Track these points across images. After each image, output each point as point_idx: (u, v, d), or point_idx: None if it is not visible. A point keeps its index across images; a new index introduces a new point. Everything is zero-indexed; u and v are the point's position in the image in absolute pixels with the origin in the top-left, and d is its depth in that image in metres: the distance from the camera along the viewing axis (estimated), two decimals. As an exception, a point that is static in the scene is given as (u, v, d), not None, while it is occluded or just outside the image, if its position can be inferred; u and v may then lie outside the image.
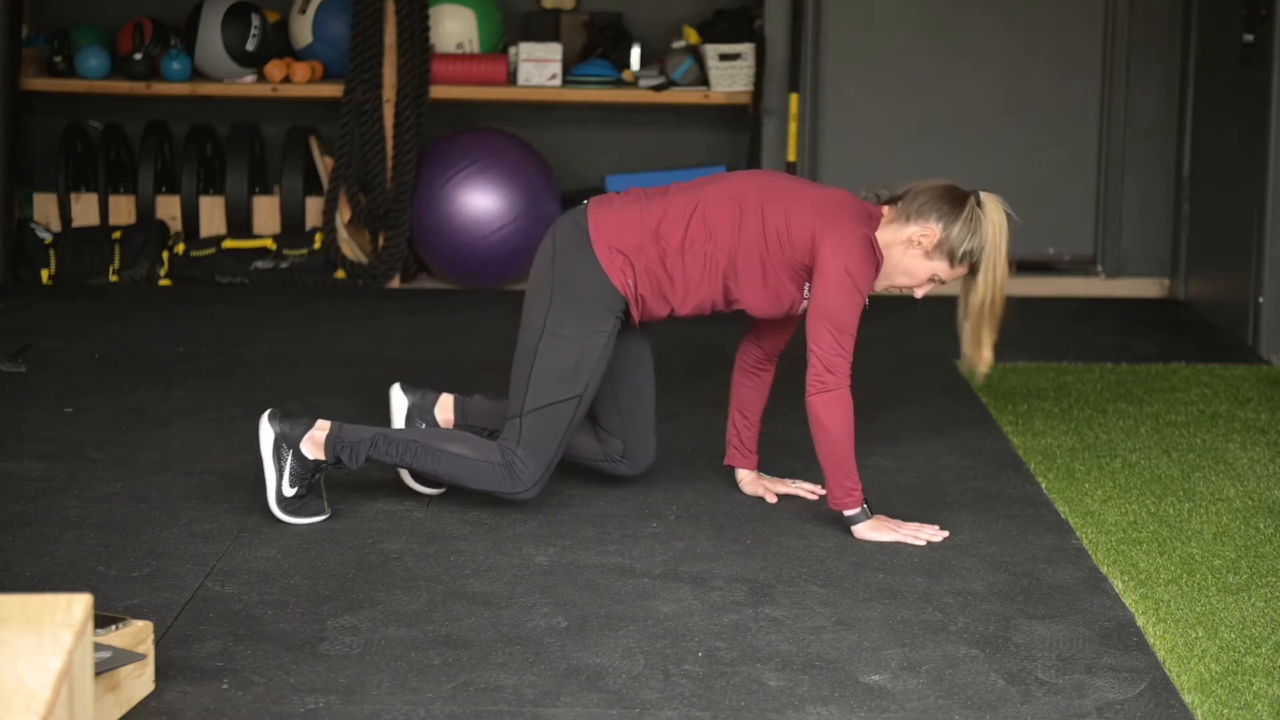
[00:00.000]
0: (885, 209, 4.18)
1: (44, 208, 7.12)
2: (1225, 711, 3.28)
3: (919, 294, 4.22)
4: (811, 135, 7.16)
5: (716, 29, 7.25)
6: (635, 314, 4.19)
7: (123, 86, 7.16)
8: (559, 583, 3.85)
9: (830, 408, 4.10)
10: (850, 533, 4.16)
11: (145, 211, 7.11)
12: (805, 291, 4.18)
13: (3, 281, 6.89)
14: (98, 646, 3.05)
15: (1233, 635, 3.62)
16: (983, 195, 4.13)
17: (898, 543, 4.12)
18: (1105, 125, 7.16)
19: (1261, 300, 6.13)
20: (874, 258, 4.12)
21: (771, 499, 4.44)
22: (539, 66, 7.19)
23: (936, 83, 7.17)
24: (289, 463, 4.16)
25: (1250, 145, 6.21)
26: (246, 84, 7.19)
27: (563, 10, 7.45)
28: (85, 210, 7.11)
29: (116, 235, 6.97)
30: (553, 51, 7.20)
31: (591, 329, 4.15)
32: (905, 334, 6.13)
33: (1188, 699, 3.33)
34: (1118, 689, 3.37)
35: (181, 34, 7.26)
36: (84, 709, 2.79)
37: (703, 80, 7.23)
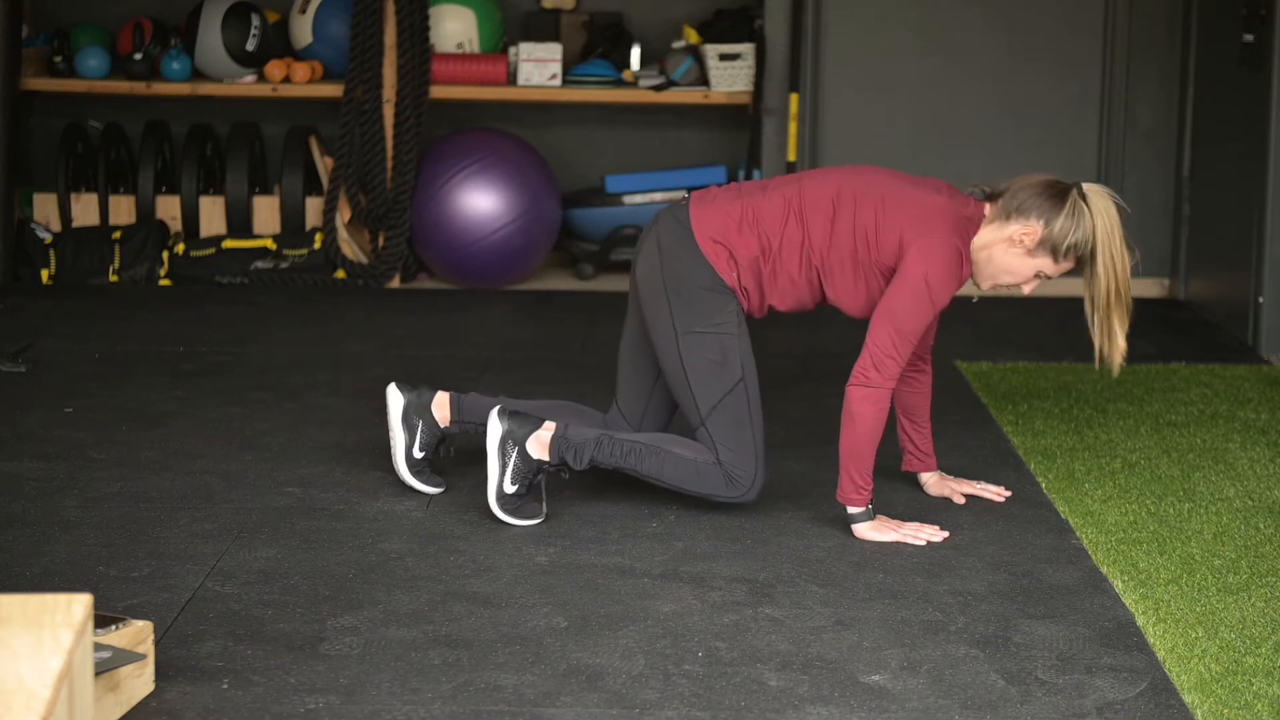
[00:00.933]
0: (987, 207, 4.16)
1: (44, 208, 7.12)
2: (1225, 711, 3.28)
3: (1025, 291, 4.19)
4: (811, 135, 7.15)
5: (716, 29, 7.25)
6: (744, 305, 4.21)
7: (123, 86, 7.16)
8: (559, 583, 3.85)
9: (866, 403, 4.08)
10: (850, 531, 4.16)
11: (145, 211, 7.11)
12: None
13: (3, 281, 6.89)
14: (98, 646, 3.05)
15: (1233, 635, 3.62)
16: (1087, 187, 4.09)
17: (898, 543, 4.12)
18: (1105, 125, 7.16)
19: (1261, 300, 6.13)
20: (959, 271, 4.09)
21: (959, 500, 4.43)
22: (539, 66, 7.20)
23: (937, 83, 7.17)
24: (513, 460, 4.17)
25: (1250, 145, 6.21)
26: (246, 84, 7.20)
27: (563, 10, 7.46)
28: (85, 210, 7.11)
29: (116, 235, 6.97)
30: (553, 51, 7.20)
31: (719, 315, 4.17)
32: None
33: (1188, 699, 3.33)
34: (1118, 689, 3.37)
35: (181, 34, 7.27)
36: (84, 709, 2.79)
37: (703, 80, 7.23)
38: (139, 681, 3.22)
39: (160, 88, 7.16)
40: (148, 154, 7.12)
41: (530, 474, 4.18)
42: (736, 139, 7.45)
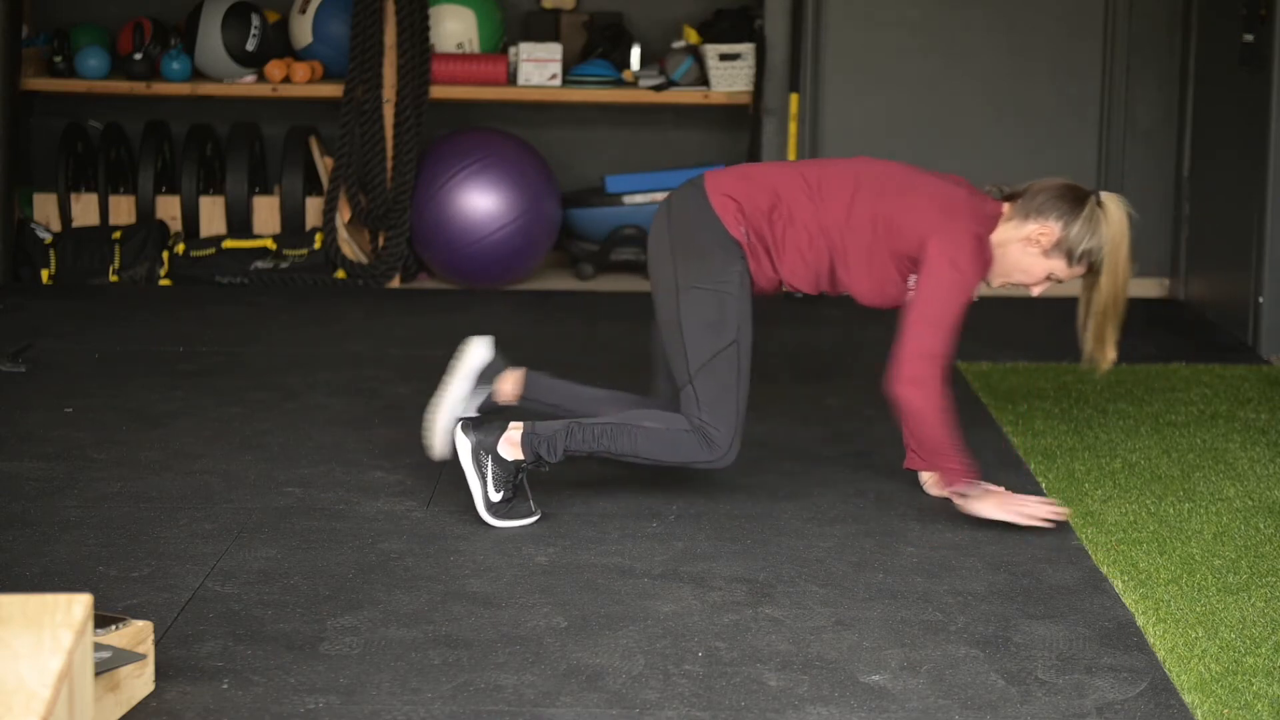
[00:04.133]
0: (1005, 206, 4.19)
1: (44, 208, 7.12)
2: (1225, 711, 3.28)
3: (1035, 292, 4.24)
4: (811, 135, 7.15)
5: (716, 29, 7.25)
6: (751, 265, 4.20)
7: (123, 86, 7.16)
8: (559, 583, 3.85)
9: (916, 396, 4.11)
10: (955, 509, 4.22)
11: (145, 211, 7.11)
12: (911, 284, 4.19)
13: (3, 281, 6.89)
14: (98, 646, 3.06)
15: (1233, 635, 3.62)
16: (1104, 195, 4.14)
17: (1011, 526, 4.14)
18: (1105, 126, 7.16)
19: (1261, 300, 6.13)
20: (983, 257, 4.12)
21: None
22: (539, 66, 7.19)
23: (936, 83, 7.17)
24: (490, 468, 4.17)
25: (1250, 145, 6.21)
26: (246, 84, 7.20)
27: (563, 10, 7.46)
28: (85, 210, 7.11)
29: (116, 235, 6.97)
30: (553, 51, 7.20)
31: (722, 274, 4.17)
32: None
33: (1188, 699, 3.33)
34: (1118, 689, 3.37)
35: (181, 34, 7.27)
36: (84, 709, 2.80)
37: (703, 80, 7.23)
38: (139, 681, 3.23)
39: (160, 88, 7.16)
40: (148, 154, 7.12)
41: (511, 476, 4.18)
42: (736, 139, 7.45)
